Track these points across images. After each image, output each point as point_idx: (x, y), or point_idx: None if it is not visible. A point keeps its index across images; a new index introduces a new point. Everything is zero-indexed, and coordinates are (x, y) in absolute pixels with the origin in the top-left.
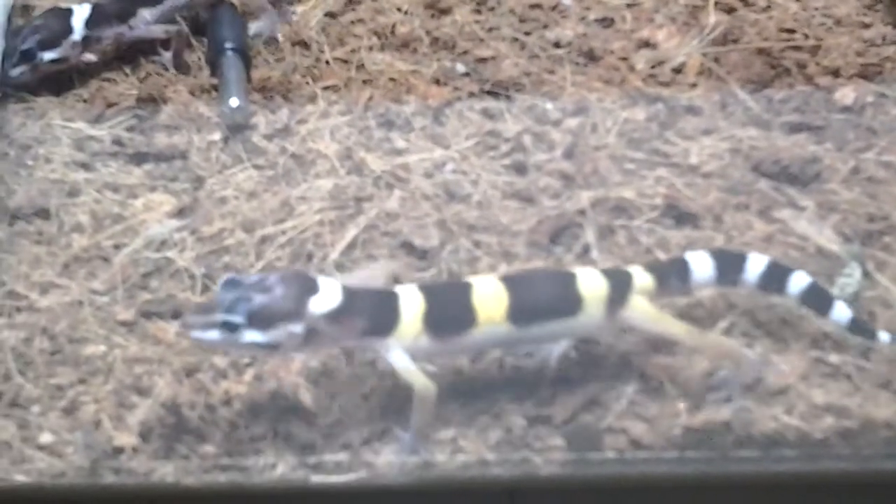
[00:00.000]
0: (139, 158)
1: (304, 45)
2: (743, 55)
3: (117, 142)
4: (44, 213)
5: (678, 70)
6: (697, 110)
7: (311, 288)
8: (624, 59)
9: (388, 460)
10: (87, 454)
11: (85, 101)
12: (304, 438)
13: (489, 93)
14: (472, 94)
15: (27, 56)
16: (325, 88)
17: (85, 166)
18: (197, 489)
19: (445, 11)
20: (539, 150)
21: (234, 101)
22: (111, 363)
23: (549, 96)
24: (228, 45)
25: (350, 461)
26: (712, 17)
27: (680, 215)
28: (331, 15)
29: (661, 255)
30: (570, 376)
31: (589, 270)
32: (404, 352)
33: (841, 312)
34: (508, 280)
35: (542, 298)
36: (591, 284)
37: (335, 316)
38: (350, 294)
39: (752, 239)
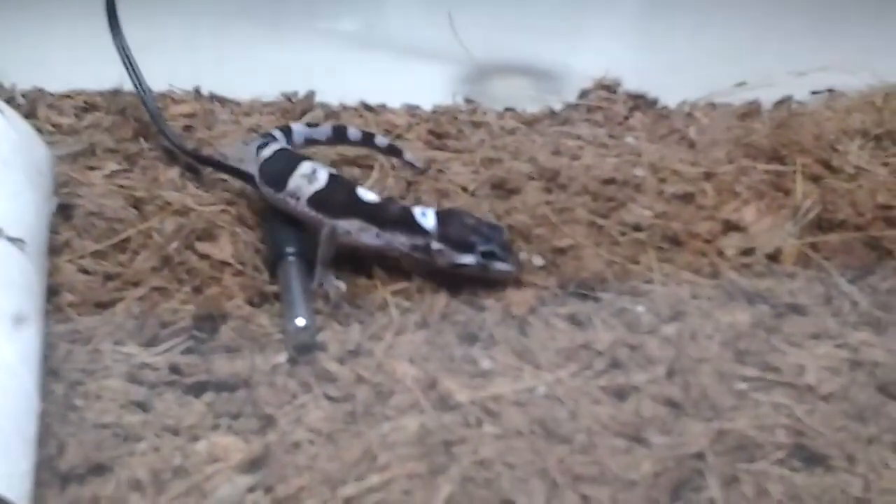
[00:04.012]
0: (198, 388)
1: None
2: (841, 236)
3: (174, 369)
4: (98, 470)
5: (773, 257)
6: (801, 309)
7: None
8: (709, 241)
9: None
10: None
11: (136, 318)
12: None
13: (573, 293)
14: (555, 296)
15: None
16: (396, 293)
17: (140, 405)
18: None
19: (514, 191)
20: (637, 367)
21: (300, 321)
22: None
23: (636, 292)
24: (289, 248)
25: None
26: (800, 191)
27: (809, 456)
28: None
29: None
30: None
31: None
32: None
33: None
34: None
35: None
36: None
37: None
38: None
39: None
